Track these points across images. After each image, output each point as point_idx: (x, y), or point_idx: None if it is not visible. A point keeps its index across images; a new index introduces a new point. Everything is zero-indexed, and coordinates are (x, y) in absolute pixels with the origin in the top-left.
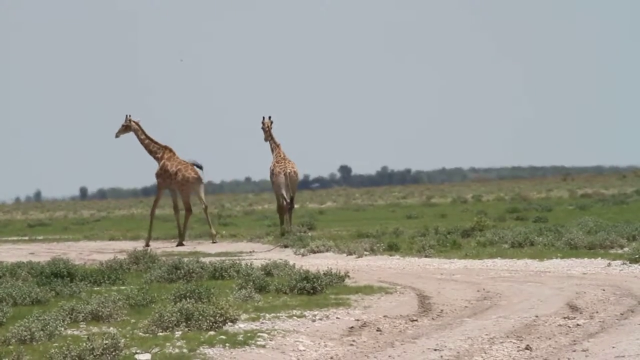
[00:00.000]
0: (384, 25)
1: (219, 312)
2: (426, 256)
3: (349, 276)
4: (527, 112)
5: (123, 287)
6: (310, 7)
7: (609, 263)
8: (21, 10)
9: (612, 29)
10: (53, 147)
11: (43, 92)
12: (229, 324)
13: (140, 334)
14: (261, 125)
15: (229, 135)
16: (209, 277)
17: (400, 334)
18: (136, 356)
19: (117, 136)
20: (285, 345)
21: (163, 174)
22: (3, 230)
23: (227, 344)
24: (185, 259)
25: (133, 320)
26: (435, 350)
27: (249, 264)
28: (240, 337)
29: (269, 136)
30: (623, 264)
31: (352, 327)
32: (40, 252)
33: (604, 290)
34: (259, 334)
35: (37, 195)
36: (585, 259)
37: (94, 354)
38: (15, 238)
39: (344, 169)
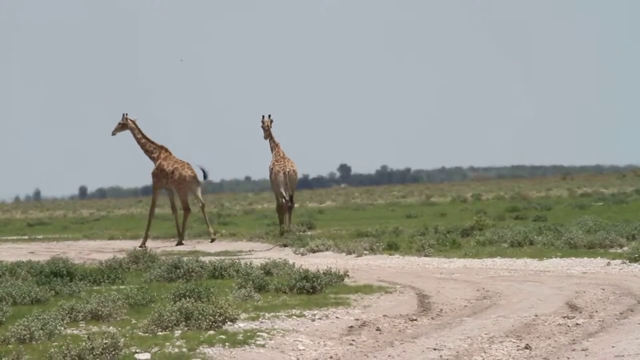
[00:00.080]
0: (384, 25)
1: (219, 311)
2: (426, 255)
3: (348, 275)
4: (527, 111)
5: (123, 287)
6: (310, 7)
7: (609, 262)
8: (21, 10)
9: (612, 29)
10: (53, 147)
11: (43, 92)
12: (229, 323)
13: (140, 333)
14: (261, 124)
15: (229, 134)
16: (209, 276)
17: (400, 333)
18: (136, 355)
19: (113, 134)
20: (285, 345)
21: (159, 174)
22: (3, 230)
23: (226, 344)
24: (185, 258)
25: (133, 320)
26: (434, 349)
27: (248, 263)
28: (240, 337)
29: (268, 135)
30: (622, 263)
31: (351, 327)
32: (39, 252)
33: (603, 289)
34: (258, 333)
35: (37, 194)
36: (585, 258)
37: (94, 353)
38: (14, 237)
39: (344, 168)
